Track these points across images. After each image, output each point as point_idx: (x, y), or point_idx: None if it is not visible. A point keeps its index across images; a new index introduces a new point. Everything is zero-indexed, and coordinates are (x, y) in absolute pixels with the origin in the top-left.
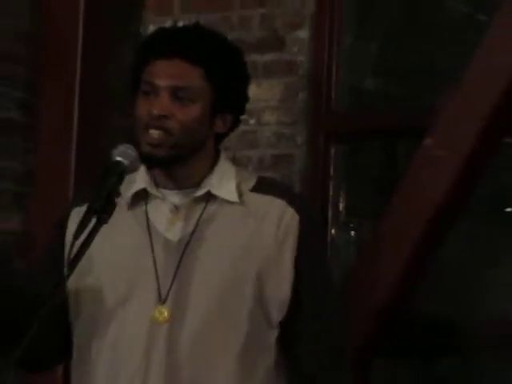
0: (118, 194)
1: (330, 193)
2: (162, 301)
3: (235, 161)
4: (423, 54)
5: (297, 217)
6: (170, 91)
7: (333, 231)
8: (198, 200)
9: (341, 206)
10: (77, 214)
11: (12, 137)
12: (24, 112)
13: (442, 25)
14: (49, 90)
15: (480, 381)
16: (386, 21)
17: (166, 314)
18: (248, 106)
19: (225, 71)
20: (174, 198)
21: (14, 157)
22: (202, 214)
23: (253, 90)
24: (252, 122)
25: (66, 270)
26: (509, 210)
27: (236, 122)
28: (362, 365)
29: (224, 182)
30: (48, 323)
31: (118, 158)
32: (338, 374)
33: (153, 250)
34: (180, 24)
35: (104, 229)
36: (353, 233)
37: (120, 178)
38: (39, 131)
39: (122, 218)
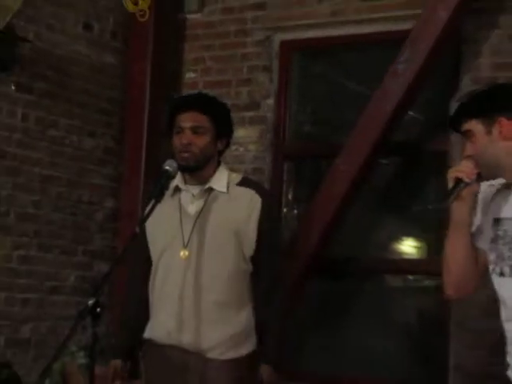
0: (167, 188)
1: (284, 189)
2: (184, 246)
3: (231, 169)
4: (337, 112)
5: (260, 200)
6: (191, 129)
7: (285, 210)
8: (205, 191)
9: (290, 195)
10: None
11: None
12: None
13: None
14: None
15: (371, 294)
16: (316, 96)
17: (187, 253)
18: (240, 141)
19: (220, 116)
20: (194, 190)
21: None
22: (207, 199)
23: (242, 132)
24: (241, 149)
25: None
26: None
27: (228, 145)
28: (300, 286)
29: (220, 180)
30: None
31: (166, 167)
32: (276, 290)
33: (181, 219)
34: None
35: (158, 208)
36: (296, 211)
37: (167, 179)
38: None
39: (167, 202)
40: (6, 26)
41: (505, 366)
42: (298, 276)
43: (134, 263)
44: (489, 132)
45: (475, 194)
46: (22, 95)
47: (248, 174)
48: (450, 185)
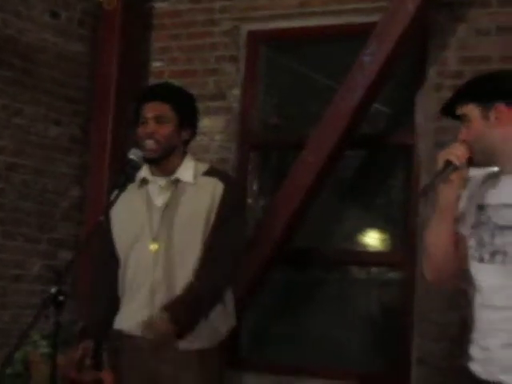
0: (132, 177)
1: (249, 179)
2: (153, 239)
3: (197, 159)
4: (304, 103)
5: (222, 187)
6: (154, 119)
7: (250, 200)
8: (172, 182)
9: (255, 186)
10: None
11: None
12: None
13: (313, 89)
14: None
15: (334, 285)
16: (283, 87)
17: (156, 246)
18: (205, 130)
19: (183, 106)
20: (161, 181)
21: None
22: (174, 190)
23: (208, 122)
24: (207, 139)
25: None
26: None
27: (193, 134)
28: (262, 275)
29: (186, 171)
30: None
31: (131, 156)
32: (221, 263)
33: (148, 212)
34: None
35: (123, 199)
36: (261, 201)
37: (132, 168)
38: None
39: (135, 194)
40: None
41: (466, 357)
42: (261, 265)
43: (99, 255)
44: (485, 117)
45: (463, 179)
46: None
47: (213, 164)
48: (440, 166)
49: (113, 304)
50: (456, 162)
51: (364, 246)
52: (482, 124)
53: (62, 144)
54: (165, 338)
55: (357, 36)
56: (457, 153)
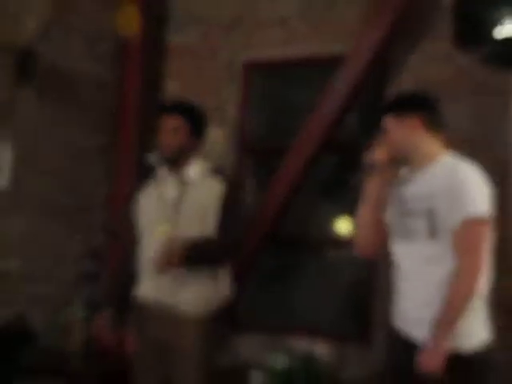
0: (153, 175)
1: (244, 178)
2: (165, 224)
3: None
4: (288, 117)
5: (224, 185)
6: (167, 129)
7: (245, 195)
8: (182, 179)
9: (248, 184)
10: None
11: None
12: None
13: (296, 106)
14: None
15: (314, 263)
16: (272, 105)
17: (166, 229)
18: (209, 139)
19: (194, 118)
20: (174, 178)
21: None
22: (183, 186)
23: (211, 133)
24: (209, 146)
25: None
26: None
27: (202, 141)
28: (256, 255)
29: (194, 170)
30: None
31: (149, 158)
32: (224, 248)
33: (162, 202)
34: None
35: (146, 192)
36: (254, 196)
37: (151, 167)
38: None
39: (154, 188)
40: (28, 45)
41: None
42: (255, 248)
43: (126, 236)
44: (401, 126)
45: (386, 175)
46: (38, 100)
47: (216, 165)
48: (366, 167)
49: (132, 278)
50: (377, 163)
51: (337, 232)
52: (399, 132)
53: (94, 151)
54: (171, 258)
55: (330, 64)
56: (380, 155)
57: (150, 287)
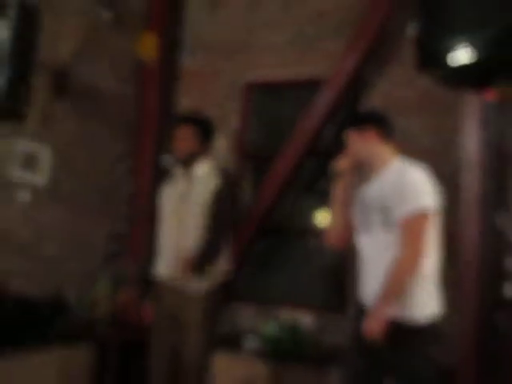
0: (170, 174)
1: (243, 178)
2: (176, 216)
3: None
4: (281, 129)
5: (220, 182)
6: (185, 136)
7: (244, 192)
8: (192, 177)
9: (247, 183)
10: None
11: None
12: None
13: (287, 120)
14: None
15: (300, 249)
16: (267, 118)
17: (177, 220)
18: (214, 146)
19: (204, 127)
20: (186, 176)
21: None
22: (193, 182)
23: (216, 141)
24: (214, 152)
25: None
26: None
27: (210, 146)
28: (252, 242)
29: (202, 170)
30: None
31: (164, 160)
32: (217, 236)
33: (176, 196)
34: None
35: (166, 187)
36: (251, 193)
37: (166, 168)
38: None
39: (171, 184)
40: (63, 65)
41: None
42: (251, 235)
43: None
44: (360, 137)
45: (348, 180)
46: (71, 112)
47: (220, 168)
48: (333, 173)
49: (151, 259)
50: (342, 169)
51: (317, 222)
52: (359, 143)
53: (119, 153)
54: (186, 276)
55: (315, 84)
56: (343, 164)
57: (163, 267)
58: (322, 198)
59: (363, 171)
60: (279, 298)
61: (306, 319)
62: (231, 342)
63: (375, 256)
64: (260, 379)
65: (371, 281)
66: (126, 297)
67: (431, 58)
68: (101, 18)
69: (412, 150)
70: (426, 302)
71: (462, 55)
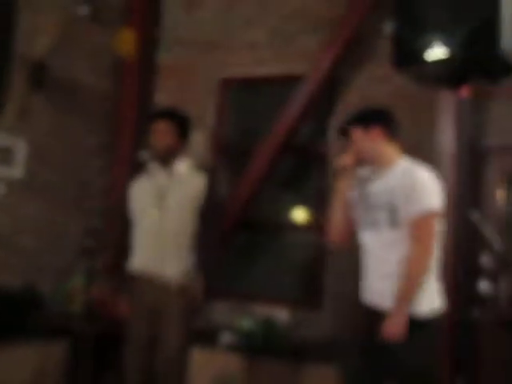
0: (145, 169)
1: (220, 173)
2: (156, 211)
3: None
4: (256, 124)
5: (204, 179)
6: (158, 131)
7: (221, 187)
8: (171, 172)
9: (223, 178)
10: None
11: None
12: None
13: (263, 115)
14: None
15: (276, 243)
16: (243, 114)
17: (158, 215)
18: (192, 141)
19: (181, 123)
20: (164, 172)
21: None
22: (172, 178)
23: (194, 135)
24: (192, 147)
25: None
26: None
27: (187, 141)
28: (230, 236)
29: (180, 165)
30: None
31: (141, 155)
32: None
33: (155, 191)
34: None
35: (139, 183)
36: (228, 188)
37: (142, 163)
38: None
39: (147, 180)
40: (40, 59)
41: (361, 290)
42: (228, 229)
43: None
44: (366, 135)
45: (352, 176)
46: (48, 105)
47: (198, 162)
48: (337, 169)
49: (127, 253)
50: (346, 166)
51: (293, 218)
52: (363, 140)
53: (96, 148)
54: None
55: (292, 81)
56: (347, 160)
57: (141, 260)
58: (298, 194)
59: (362, 169)
60: (255, 293)
61: (281, 314)
62: (207, 337)
63: (379, 253)
64: (235, 374)
65: (375, 276)
66: (100, 291)
67: (407, 56)
68: (78, 12)
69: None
70: (432, 297)
71: (436, 53)
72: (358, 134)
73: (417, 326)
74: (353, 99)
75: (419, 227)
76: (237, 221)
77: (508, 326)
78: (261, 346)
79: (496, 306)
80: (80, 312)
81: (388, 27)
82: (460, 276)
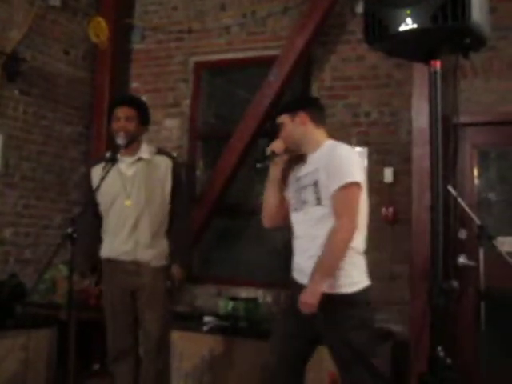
0: (114, 160)
1: (197, 159)
2: (128, 197)
3: (162, 146)
4: (231, 109)
5: (172, 164)
6: (124, 118)
7: (197, 173)
8: (136, 160)
9: (201, 163)
10: (95, 170)
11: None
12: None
13: (238, 100)
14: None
15: (253, 228)
16: (218, 98)
17: (130, 202)
18: (167, 127)
19: (142, 109)
20: (129, 159)
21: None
22: (138, 165)
23: (169, 122)
24: (168, 133)
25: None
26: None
27: (147, 128)
28: (206, 222)
29: (145, 152)
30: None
31: (107, 155)
32: (184, 219)
33: (122, 180)
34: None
35: (98, 173)
36: (204, 174)
37: (109, 160)
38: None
39: (111, 170)
40: (13, 51)
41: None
42: (206, 214)
43: (86, 209)
44: (293, 121)
45: (283, 161)
46: (23, 97)
47: (173, 149)
48: (268, 155)
49: (96, 243)
50: (277, 151)
51: None
52: (291, 126)
53: (73, 137)
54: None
55: (265, 64)
56: (277, 145)
57: (114, 247)
58: None
59: (294, 153)
60: (235, 275)
61: (262, 296)
62: (190, 321)
63: (307, 232)
64: (217, 356)
65: (304, 255)
66: (80, 279)
67: (378, 32)
68: (50, 3)
69: (363, 125)
70: (354, 273)
71: (406, 27)
72: (285, 121)
73: (341, 302)
74: (326, 79)
75: (339, 201)
76: (215, 205)
77: (485, 296)
78: (242, 328)
79: (474, 277)
80: (63, 301)
81: (360, 7)
82: (439, 250)
